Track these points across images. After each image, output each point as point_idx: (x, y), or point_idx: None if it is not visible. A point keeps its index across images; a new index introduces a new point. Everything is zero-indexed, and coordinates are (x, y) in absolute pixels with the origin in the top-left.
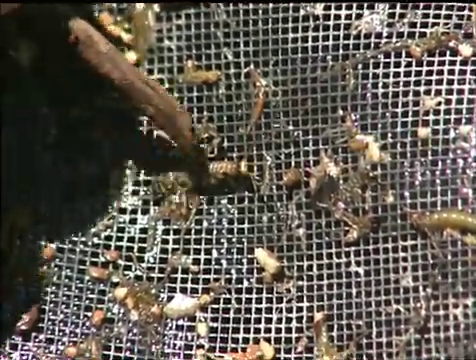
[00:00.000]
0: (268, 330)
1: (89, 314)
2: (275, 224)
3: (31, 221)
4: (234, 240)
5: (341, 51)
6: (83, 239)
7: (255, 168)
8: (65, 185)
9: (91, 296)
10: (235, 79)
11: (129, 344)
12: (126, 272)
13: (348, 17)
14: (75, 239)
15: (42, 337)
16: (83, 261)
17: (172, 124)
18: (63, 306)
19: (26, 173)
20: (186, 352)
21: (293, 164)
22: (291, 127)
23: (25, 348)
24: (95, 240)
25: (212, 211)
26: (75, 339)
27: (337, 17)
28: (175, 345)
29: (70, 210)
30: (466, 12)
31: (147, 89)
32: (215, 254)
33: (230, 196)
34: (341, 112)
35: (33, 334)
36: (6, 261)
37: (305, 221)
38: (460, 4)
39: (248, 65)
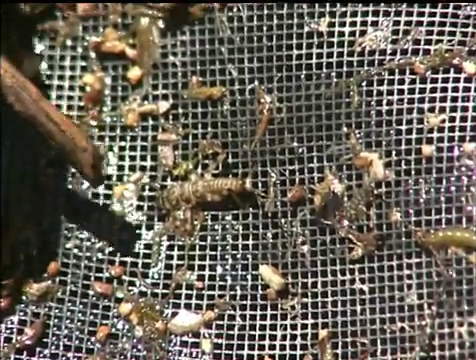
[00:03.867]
0: (273, 347)
1: (94, 329)
2: (280, 241)
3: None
4: (239, 256)
5: (345, 68)
6: (87, 254)
7: (260, 184)
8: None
9: (96, 311)
10: (239, 95)
11: None
12: (131, 288)
13: (352, 34)
14: (80, 254)
15: (47, 352)
16: (88, 276)
17: (72, 160)
18: (68, 321)
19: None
20: None
21: (298, 181)
22: (295, 144)
23: None
24: (99, 255)
25: (217, 227)
26: (80, 354)
27: (341, 34)
28: None
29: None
30: (470, 29)
31: (49, 124)
32: (220, 270)
33: (235, 212)
34: (345, 129)
35: (38, 349)
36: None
37: (310, 238)
38: (464, 21)
39: (252, 81)
